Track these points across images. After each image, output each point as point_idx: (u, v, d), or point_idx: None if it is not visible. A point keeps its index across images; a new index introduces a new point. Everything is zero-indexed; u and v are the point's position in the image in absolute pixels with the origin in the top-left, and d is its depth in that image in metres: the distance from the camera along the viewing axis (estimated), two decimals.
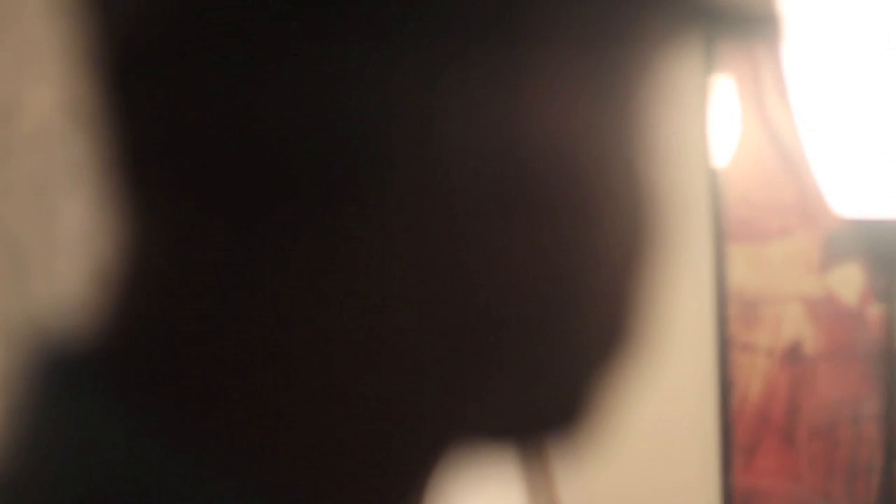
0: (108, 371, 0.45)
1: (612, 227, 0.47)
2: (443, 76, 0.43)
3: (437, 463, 0.47)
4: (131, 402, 0.44)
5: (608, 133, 0.46)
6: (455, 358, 0.45)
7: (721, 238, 2.16)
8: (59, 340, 0.46)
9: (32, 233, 1.42)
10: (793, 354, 2.17)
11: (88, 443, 0.43)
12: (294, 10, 0.42)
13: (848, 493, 2.18)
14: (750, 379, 2.17)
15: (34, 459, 0.44)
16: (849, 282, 2.17)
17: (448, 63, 0.43)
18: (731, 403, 2.17)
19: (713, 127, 2.13)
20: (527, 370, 0.47)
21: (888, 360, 1.80)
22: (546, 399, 0.48)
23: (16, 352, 1.29)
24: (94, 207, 1.48)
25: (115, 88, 0.45)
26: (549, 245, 0.46)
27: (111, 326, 0.46)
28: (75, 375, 0.44)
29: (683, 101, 0.51)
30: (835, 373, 2.18)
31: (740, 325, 2.17)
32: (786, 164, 2.13)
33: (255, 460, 0.43)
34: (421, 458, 0.46)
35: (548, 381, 0.48)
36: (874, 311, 2.17)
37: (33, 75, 1.42)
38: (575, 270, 0.47)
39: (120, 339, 0.45)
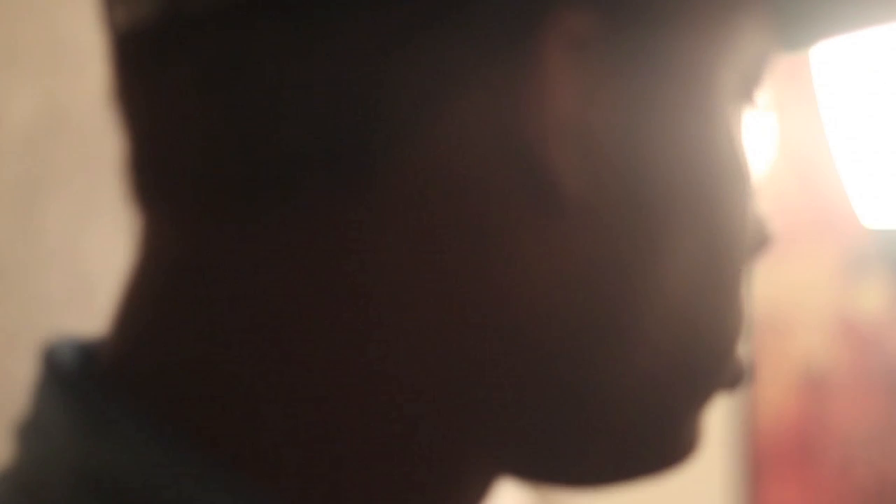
0: (109, 376, 0.45)
1: (670, 253, 0.46)
2: (454, 73, 0.43)
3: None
4: (136, 409, 0.44)
5: (647, 138, 0.45)
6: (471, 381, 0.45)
7: None
8: (56, 346, 0.47)
9: (16, 240, 1.41)
10: (812, 374, 2.15)
11: (89, 447, 0.43)
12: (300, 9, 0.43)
13: None
14: (767, 400, 2.15)
15: (32, 463, 0.45)
16: (872, 300, 2.15)
17: (461, 62, 0.43)
18: (747, 426, 2.14)
19: None
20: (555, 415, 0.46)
21: None
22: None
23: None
24: (81, 214, 1.47)
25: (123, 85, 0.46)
26: (584, 265, 0.45)
27: (117, 331, 0.46)
28: (76, 381, 0.45)
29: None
30: (856, 393, 2.16)
31: (758, 344, 2.15)
32: (807, 180, 2.12)
33: (255, 469, 0.44)
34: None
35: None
36: None
37: (18, 77, 1.41)
38: (622, 299, 0.45)
39: (125, 344, 0.46)
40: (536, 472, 0.48)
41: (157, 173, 0.45)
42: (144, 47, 0.45)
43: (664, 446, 0.49)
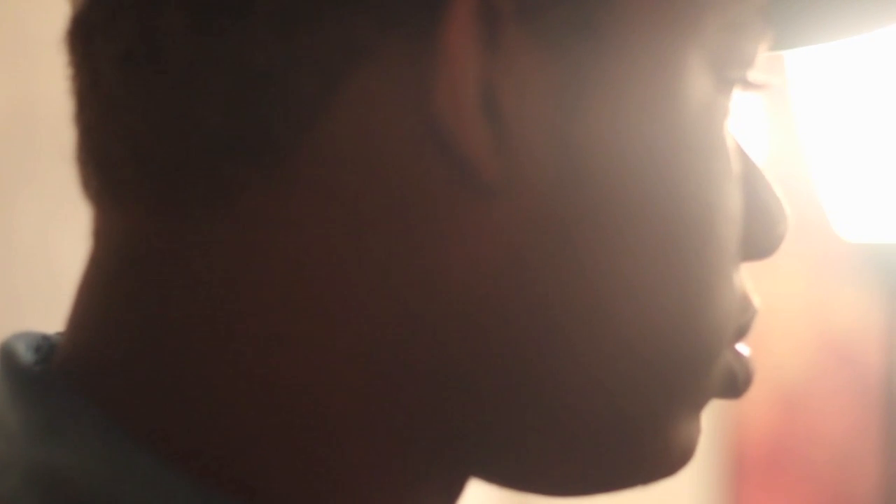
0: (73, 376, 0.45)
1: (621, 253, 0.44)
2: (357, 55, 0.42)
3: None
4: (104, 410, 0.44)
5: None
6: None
7: None
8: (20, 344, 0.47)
9: None
10: (788, 387, 2.15)
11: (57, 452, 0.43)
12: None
13: None
14: (743, 413, 2.15)
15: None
16: (850, 311, 2.15)
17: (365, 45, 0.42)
18: (723, 439, 2.14)
19: None
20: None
21: (889, 391, 1.77)
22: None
23: None
24: (52, 212, 1.47)
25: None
26: (515, 254, 0.43)
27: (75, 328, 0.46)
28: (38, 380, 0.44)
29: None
30: (831, 406, 2.16)
31: None
32: (782, 191, 2.12)
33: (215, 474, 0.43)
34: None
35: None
36: (876, 342, 2.16)
37: None
38: (562, 293, 0.44)
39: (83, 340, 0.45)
40: (506, 476, 0.46)
41: (95, 166, 0.45)
42: (78, 32, 0.45)
43: (648, 454, 0.47)
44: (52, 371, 0.45)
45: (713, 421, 2.15)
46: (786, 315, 2.15)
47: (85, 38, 0.44)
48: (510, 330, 0.43)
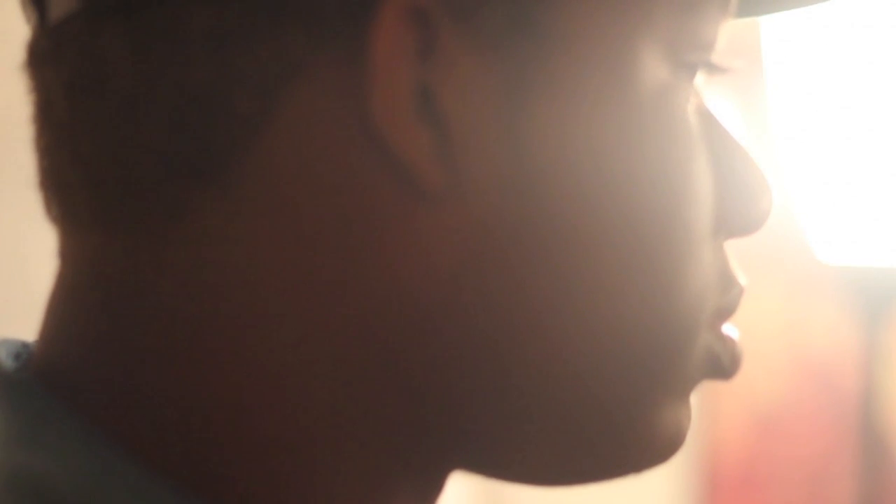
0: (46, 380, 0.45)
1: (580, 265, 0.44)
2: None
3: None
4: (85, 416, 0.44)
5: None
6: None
7: None
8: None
9: None
10: (762, 411, 2.15)
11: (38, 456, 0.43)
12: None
13: None
14: (719, 434, 2.15)
15: None
16: (827, 333, 2.16)
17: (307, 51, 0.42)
18: (698, 460, 2.14)
19: None
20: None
21: (866, 413, 1.77)
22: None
23: None
24: (23, 219, 1.46)
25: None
26: (467, 258, 0.43)
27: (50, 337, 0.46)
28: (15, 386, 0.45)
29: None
30: (809, 428, 2.16)
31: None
32: None
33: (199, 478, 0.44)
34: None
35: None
36: (852, 365, 2.16)
37: None
38: (520, 294, 0.44)
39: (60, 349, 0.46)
40: (489, 468, 0.47)
41: (53, 190, 0.45)
42: (32, 59, 0.46)
43: (632, 442, 0.47)
44: (34, 379, 0.45)
45: (688, 441, 2.15)
46: (763, 337, 2.15)
47: (37, 65, 0.45)
48: (473, 330, 0.44)
